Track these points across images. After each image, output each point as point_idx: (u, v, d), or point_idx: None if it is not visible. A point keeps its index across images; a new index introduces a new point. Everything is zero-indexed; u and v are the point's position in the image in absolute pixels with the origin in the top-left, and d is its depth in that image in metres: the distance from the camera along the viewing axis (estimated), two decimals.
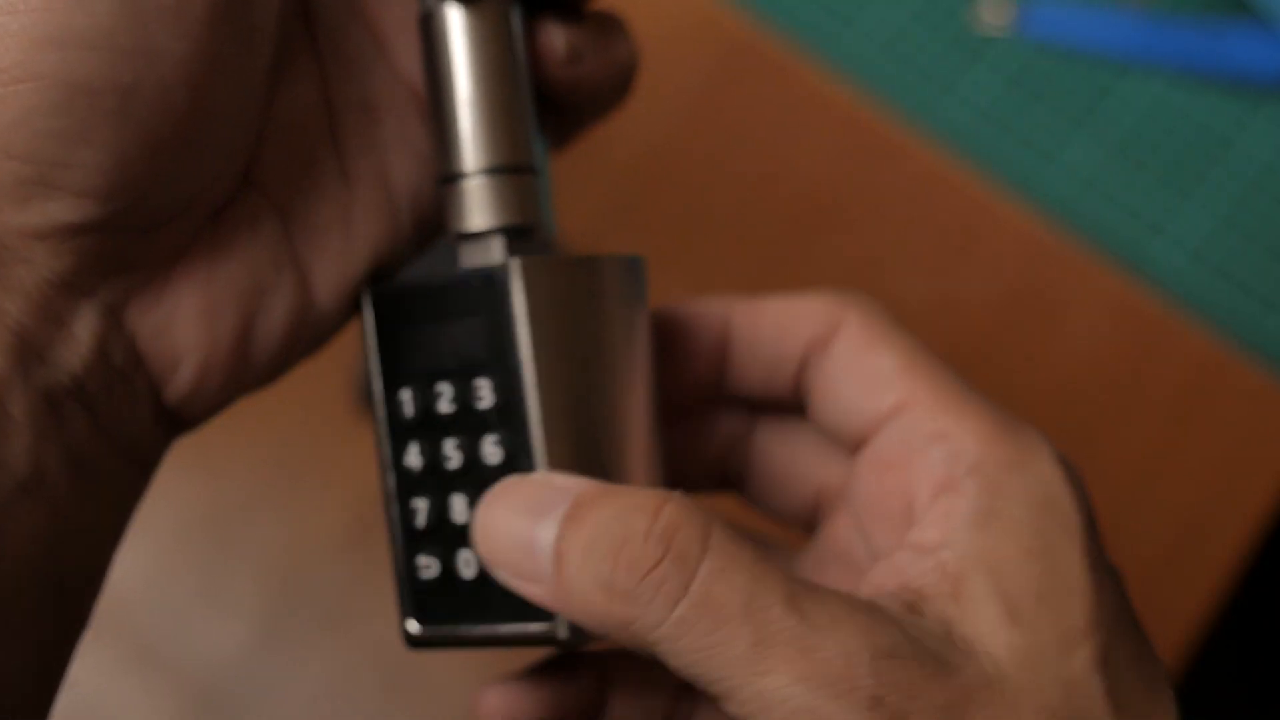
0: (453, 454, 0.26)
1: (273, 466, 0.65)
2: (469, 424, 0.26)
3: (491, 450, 0.25)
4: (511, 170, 0.26)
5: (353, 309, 0.28)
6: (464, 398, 0.26)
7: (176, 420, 0.27)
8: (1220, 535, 0.66)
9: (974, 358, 0.69)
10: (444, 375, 0.26)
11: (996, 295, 0.70)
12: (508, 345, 0.25)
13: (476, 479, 0.25)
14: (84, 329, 0.24)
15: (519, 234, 0.27)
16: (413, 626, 0.27)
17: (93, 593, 0.25)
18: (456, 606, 0.26)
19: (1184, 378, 0.68)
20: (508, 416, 0.25)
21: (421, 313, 0.26)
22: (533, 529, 0.23)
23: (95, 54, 0.21)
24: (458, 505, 0.26)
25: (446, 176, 0.27)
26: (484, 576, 0.26)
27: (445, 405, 0.26)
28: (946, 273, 0.71)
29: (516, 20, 0.27)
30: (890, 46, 0.76)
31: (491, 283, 0.25)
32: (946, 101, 0.75)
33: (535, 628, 0.25)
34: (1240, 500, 0.66)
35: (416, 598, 0.27)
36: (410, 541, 0.27)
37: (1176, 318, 0.69)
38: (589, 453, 0.25)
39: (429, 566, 0.26)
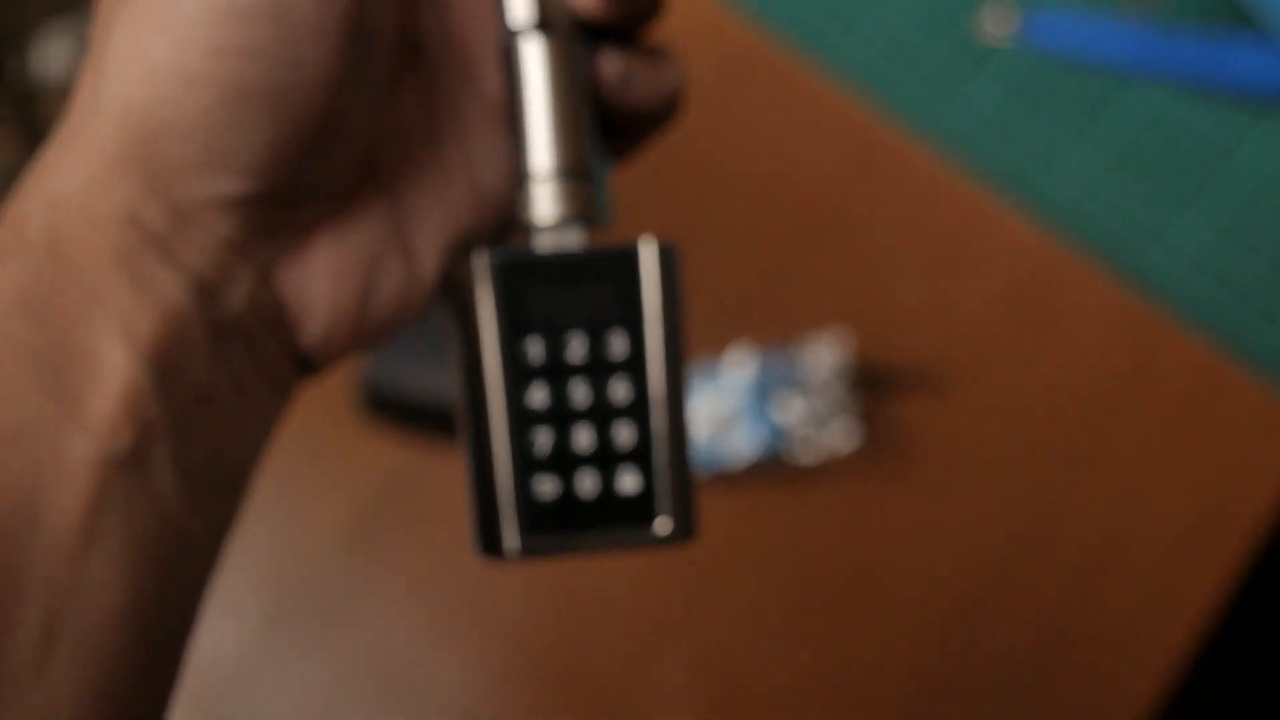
0: (582, 394, 0.32)
1: (273, 467, 0.65)
2: (598, 369, 0.32)
3: (619, 390, 0.32)
4: (575, 175, 0.32)
5: (442, 281, 0.33)
6: (596, 348, 0.32)
7: (307, 363, 0.32)
8: (1219, 542, 0.66)
9: (973, 364, 0.69)
10: (572, 330, 0.32)
11: (996, 302, 0.70)
12: (639, 308, 0.32)
13: (601, 414, 0.32)
14: (243, 280, 0.30)
15: (586, 224, 0.33)
16: (521, 538, 0.32)
17: (243, 494, 0.31)
18: (568, 520, 0.32)
19: (1183, 387, 0.69)
20: (634, 363, 0.32)
21: (549, 279, 0.32)
22: None
23: (256, 62, 0.27)
24: (581, 436, 0.32)
25: (523, 177, 0.33)
26: (600, 493, 0.32)
27: (576, 354, 0.32)
28: (946, 279, 0.71)
29: (581, 50, 0.33)
30: (893, 54, 0.76)
31: (627, 257, 0.32)
32: (948, 109, 0.75)
33: (641, 533, 0.32)
34: (1239, 508, 0.66)
35: (526, 515, 0.32)
36: (526, 466, 0.32)
37: (1176, 327, 0.69)
38: (680, 393, 0.32)
39: (548, 487, 0.32)
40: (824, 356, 0.67)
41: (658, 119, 0.34)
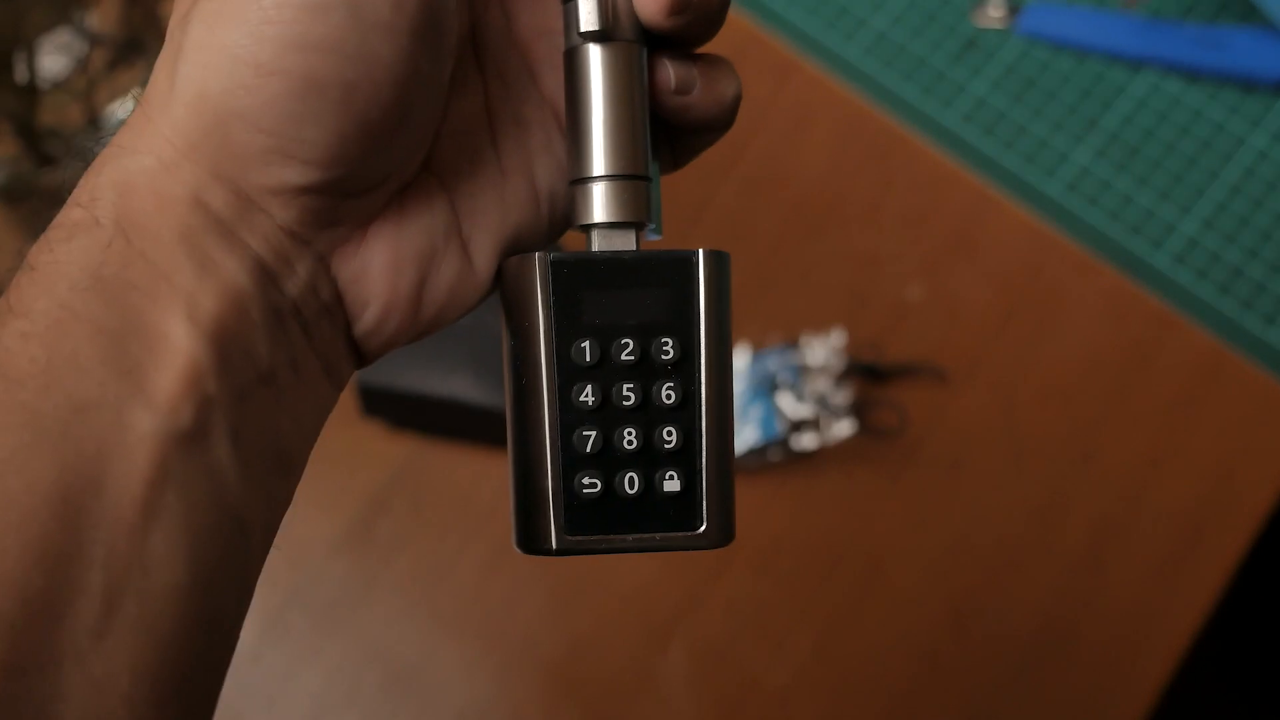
0: (630, 395, 0.32)
1: None
2: (647, 371, 0.32)
3: (668, 392, 0.32)
4: (632, 177, 0.33)
5: (498, 278, 0.34)
6: (646, 350, 0.32)
7: (361, 352, 0.33)
8: (1222, 528, 0.66)
9: (974, 354, 0.69)
10: (624, 332, 0.32)
11: (997, 292, 0.70)
12: (691, 314, 0.33)
13: (647, 415, 0.32)
14: (303, 267, 0.30)
15: (639, 228, 0.33)
16: (562, 535, 0.32)
17: (294, 479, 0.31)
18: (610, 519, 0.32)
19: (1185, 375, 0.68)
20: (684, 367, 0.33)
21: (603, 281, 0.32)
22: None
23: (329, 56, 0.28)
24: (628, 436, 0.32)
25: (579, 179, 0.33)
26: (643, 494, 0.32)
27: (627, 355, 0.32)
28: (946, 271, 0.71)
29: (641, 58, 0.33)
30: (892, 46, 0.76)
31: (683, 264, 0.33)
32: (947, 101, 0.75)
33: (682, 535, 0.32)
34: (1242, 495, 0.66)
35: (570, 511, 0.32)
36: (570, 464, 0.32)
37: (1176, 317, 0.69)
38: (726, 398, 0.33)
39: (592, 485, 0.32)
40: (825, 346, 0.67)
41: (714, 128, 0.35)
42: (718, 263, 0.33)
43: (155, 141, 0.29)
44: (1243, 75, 0.74)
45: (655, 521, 0.33)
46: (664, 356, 0.33)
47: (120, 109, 0.69)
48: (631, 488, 0.32)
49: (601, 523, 0.33)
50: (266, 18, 0.28)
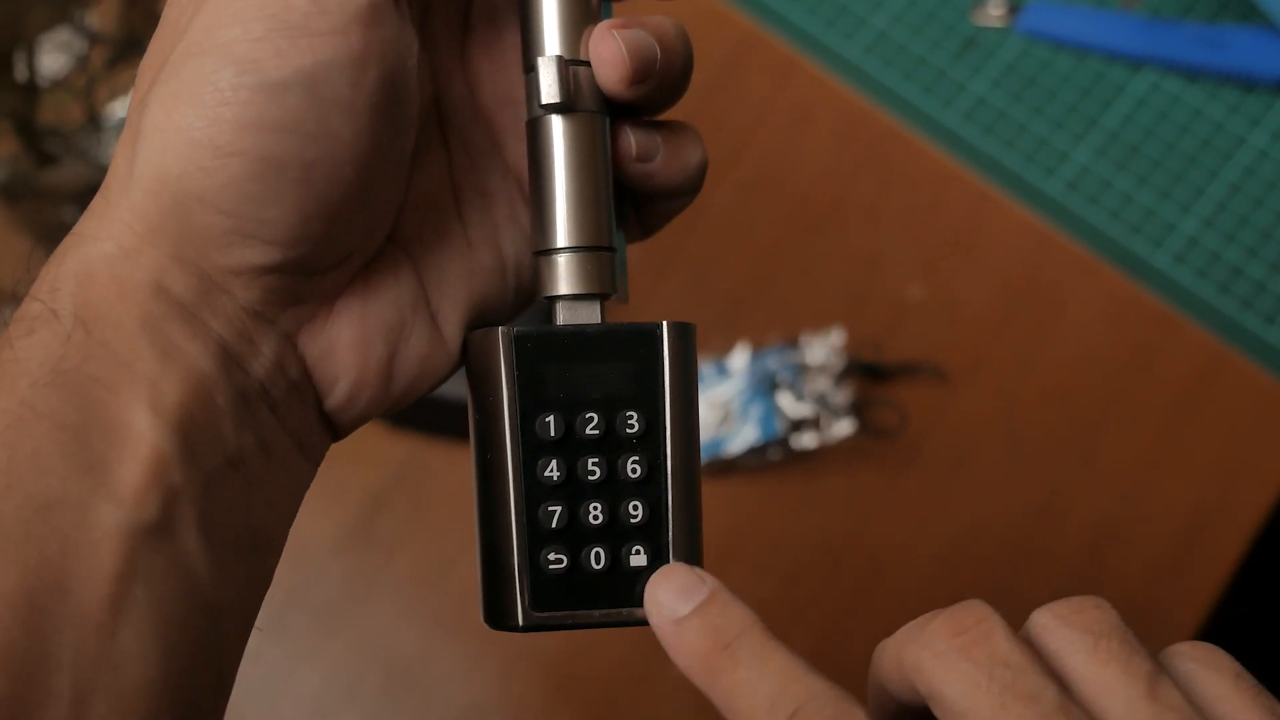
0: (595, 469, 0.32)
1: None
2: (611, 445, 0.32)
3: (633, 466, 0.32)
4: (595, 249, 0.33)
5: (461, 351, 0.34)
6: (610, 424, 0.32)
7: (334, 426, 0.33)
8: (1222, 529, 0.66)
9: (974, 354, 0.69)
10: (589, 406, 0.32)
11: (997, 291, 0.70)
12: (656, 386, 0.32)
13: (612, 490, 0.32)
14: (268, 347, 0.30)
15: (604, 298, 0.33)
16: (529, 612, 0.33)
17: (272, 560, 0.31)
18: (577, 595, 0.32)
19: (1185, 375, 0.68)
20: (649, 440, 0.32)
21: (567, 355, 0.32)
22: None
23: (287, 136, 0.28)
24: (593, 511, 0.32)
25: (542, 250, 0.33)
26: (609, 569, 0.32)
27: (591, 429, 0.32)
28: (946, 271, 0.71)
29: (604, 127, 0.33)
30: (893, 45, 0.76)
31: (647, 337, 0.32)
32: (947, 100, 0.75)
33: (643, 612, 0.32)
34: (1242, 496, 0.66)
35: (536, 587, 0.32)
36: (536, 540, 0.32)
37: (1176, 317, 0.69)
38: (693, 468, 0.33)
39: (558, 561, 0.32)
40: (824, 345, 0.67)
41: (678, 194, 0.35)
42: (682, 334, 0.33)
43: (115, 227, 0.29)
44: (1243, 75, 0.74)
45: (623, 596, 0.32)
46: (629, 430, 0.32)
47: (120, 107, 0.68)
48: (598, 563, 0.32)
49: (568, 598, 0.32)
50: (223, 99, 0.28)
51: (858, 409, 0.66)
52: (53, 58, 0.70)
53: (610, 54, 0.31)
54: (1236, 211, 0.72)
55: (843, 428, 0.65)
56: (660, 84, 0.32)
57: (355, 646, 0.64)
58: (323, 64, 0.28)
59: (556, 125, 0.33)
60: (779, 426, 0.65)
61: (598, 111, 0.33)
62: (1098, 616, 0.28)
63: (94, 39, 0.69)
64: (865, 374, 0.68)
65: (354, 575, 0.65)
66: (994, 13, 0.76)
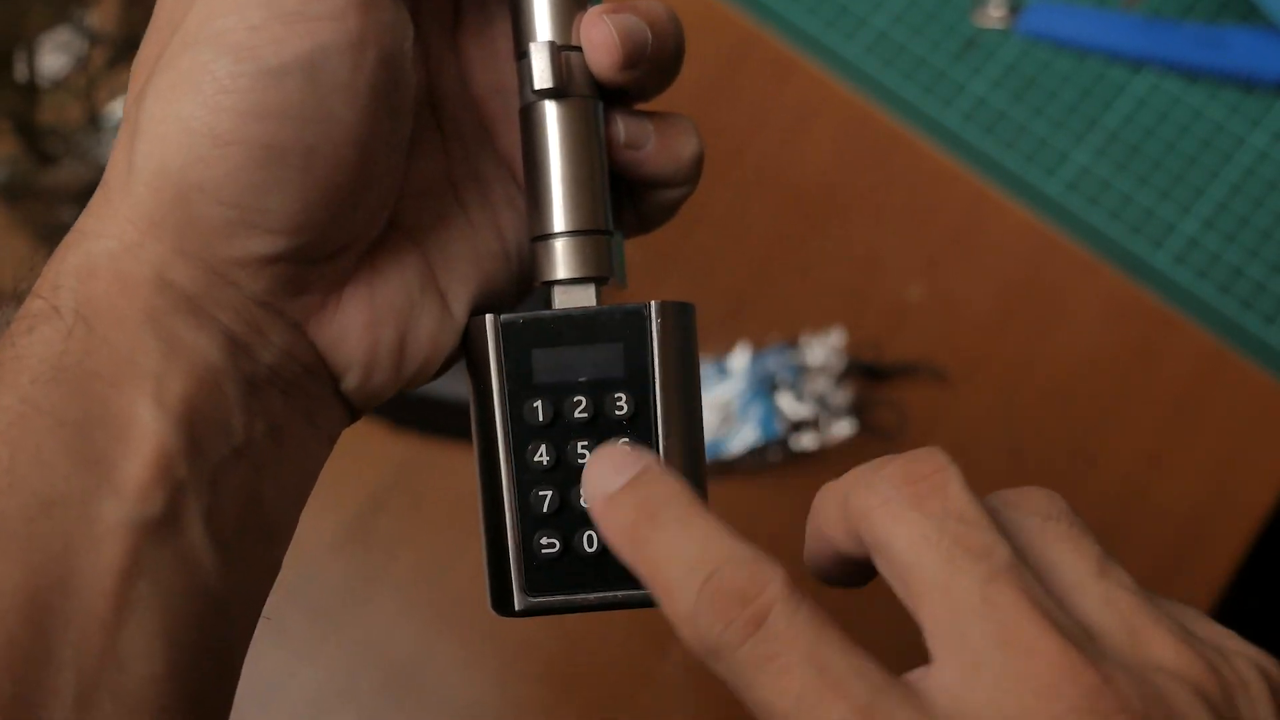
0: (584, 452, 0.32)
1: None
2: (601, 428, 0.32)
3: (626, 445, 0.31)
4: (590, 232, 0.33)
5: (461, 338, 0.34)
6: (599, 407, 0.32)
7: (352, 405, 0.33)
8: (1222, 529, 0.65)
9: (975, 353, 0.69)
10: (577, 390, 0.32)
11: (997, 291, 0.70)
12: (646, 367, 0.32)
13: None
14: (277, 336, 0.30)
15: (600, 282, 0.33)
16: (524, 597, 0.33)
17: (279, 548, 0.31)
18: (571, 578, 0.32)
19: (1185, 375, 0.68)
20: (639, 422, 0.32)
21: (554, 339, 0.32)
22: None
23: (288, 123, 0.28)
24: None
25: (539, 235, 0.33)
26: (602, 552, 0.32)
27: (580, 413, 0.32)
28: (946, 271, 0.71)
29: (597, 113, 0.33)
30: (893, 45, 0.76)
31: (635, 317, 0.32)
32: (948, 100, 0.75)
33: (643, 592, 0.31)
34: (1242, 495, 0.66)
35: (531, 572, 0.32)
36: (529, 524, 0.32)
37: (1176, 317, 0.69)
38: (692, 452, 0.33)
39: (550, 545, 0.32)
40: (824, 346, 0.67)
41: (671, 184, 0.34)
42: (676, 313, 0.33)
43: (116, 223, 0.29)
44: (1243, 75, 0.74)
45: (617, 579, 0.32)
46: (618, 412, 0.32)
47: (120, 107, 0.68)
48: (590, 546, 0.32)
49: (563, 582, 0.32)
50: (221, 87, 0.27)
51: (858, 409, 0.66)
52: (53, 58, 0.70)
53: (602, 38, 0.31)
54: (1236, 212, 0.72)
55: (843, 428, 0.65)
56: (652, 68, 0.32)
57: (354, 646, 0.64)
58: (321, 48, 0.28)
59: (550, 111, 0.33)
60: (779, 427, 0.65)
61: (590, 97, 0.33)
62: (1046, 501, 0.27)
63: (94, 39, 0.69)
64: (865, 374, 0.68)
65: (353, 575, 0.65)
66: (994, 13, 0.76)
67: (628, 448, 0.29)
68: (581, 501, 0.31)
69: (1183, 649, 0.25)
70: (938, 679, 0.24)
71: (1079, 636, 0.24)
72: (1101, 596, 0.26)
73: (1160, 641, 0.25)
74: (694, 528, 0.27)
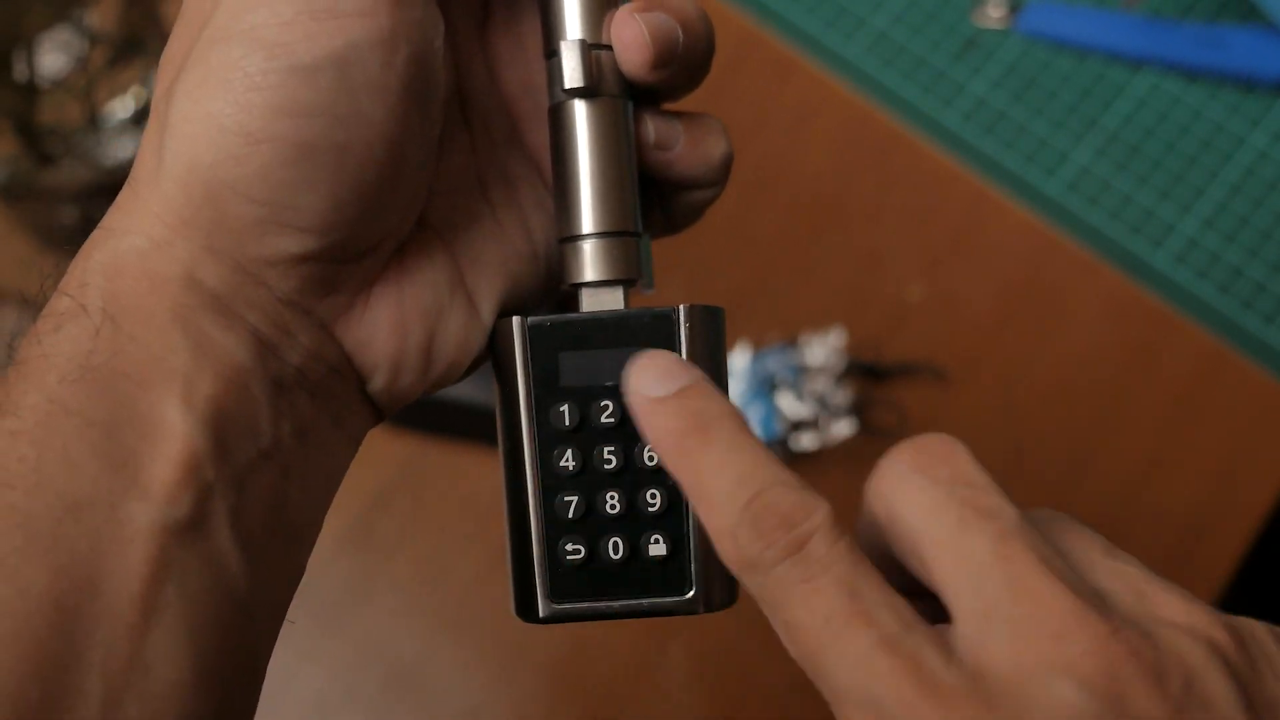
0: (611, 458, 0.32)
1: None
2: (628, 433, 0.31)
3: (649, 454, 0.31)
4: (619, 234, 0.32)
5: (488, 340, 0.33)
6: (626, 412, 0.31)
7: (378, 407, 0.32)
8: (1223, 529, 0.66)
9: (975, 353, 0.69)
10: (604, 394, 0.32)
11: (998, 291, 0.70)
12: None
13: (630, 478, 0.32)
14: (305, 337, 0.29)
15: (629, 285, 0.33)
16: (549, 604, 0.32)
17: (304, 550, 0.31)
18: (596, 585, 0.32)
19: (1186, 375, 0.68)
20: None
21: (582, 343, 0.32)
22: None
23: (318, 120, 0.27)
24: (610, 500, 0.32)
25: (567, 237, 0.33)
26: (628, 558, 0.32)
27: (607, 418, 0.32)
28: (946, 271, 0.71)
29: (627, 113, 0.33)
30: (893, 45, 0.76)
31: (664, 321, 0.32)
32: (948, 100, 0.75)
33: (671, 600, 0.32)
34: (1243, 495, 0.66)
35: (555, 578, 0.32)
36: (554, 530, 0.32)
37: (1176, 317, 0.69)
38: None
39: (576, 551, 0.32)
40: (824, 346, 0.67)
41: (700, 185, 0.34)
42: (705, 317, 0.32)
43: (145, 220, 0.28)
44: (1243, 75, 0.74)
45: (642, 587, 0.32)
46: None
47: (120, 107, 0.68)
48: (616, 553, 0.32)
49: (588, 589, 0.32)
50: (252, 84, 0.27)
51: (858, 409, 0.66)
52: (53, 58, 0.70)
53: (633, 37, 0.31)
54: (1236, 212, 0.72)
55: (843, 428, 0.65)
56: (682, 68, 0.32)
57: (355, 646, 0.64)
58: (353, 45, 0.27)
59: (579, 110, 0.32)
60: (779, 427, 0.65)
61: (620, 96, 0.33)
62: (1049, 510, 0.28)
63: (94, 39, 0.69)
64: (865, 374, 0.68)
65: (354, 575, 0.65)
66: (994, 13, 0.76)
67: (674, 357, 0.29)
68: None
69: (1193, 608, 0.25)
70: (957, 631, 0.25)
71: (1088, 593, 0.25)
72: (1109, 569, 0.26)
73: (1170, 604, 0.25)
74: (744, 449, 0.27)
